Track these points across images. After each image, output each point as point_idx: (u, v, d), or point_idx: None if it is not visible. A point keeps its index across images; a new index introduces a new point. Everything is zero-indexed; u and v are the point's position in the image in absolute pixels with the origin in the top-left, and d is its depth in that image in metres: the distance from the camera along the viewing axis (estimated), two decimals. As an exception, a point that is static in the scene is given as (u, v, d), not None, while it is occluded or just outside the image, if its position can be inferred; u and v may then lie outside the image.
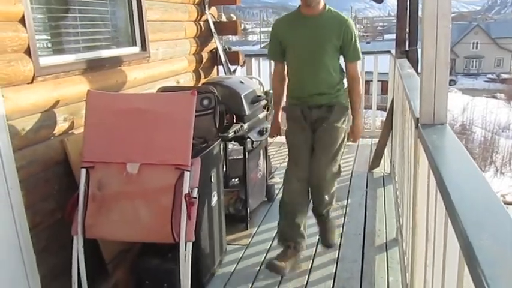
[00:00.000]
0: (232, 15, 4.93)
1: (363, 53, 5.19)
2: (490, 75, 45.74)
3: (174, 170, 2.08)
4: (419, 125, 1.46)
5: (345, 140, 2.73)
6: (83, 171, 2.14)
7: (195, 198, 2.12)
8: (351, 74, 2.65)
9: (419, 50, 3.47)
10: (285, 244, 2.70)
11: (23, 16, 2.11)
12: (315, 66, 2.55)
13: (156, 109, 2.18)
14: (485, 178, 0.94)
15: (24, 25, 2.12)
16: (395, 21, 4.06)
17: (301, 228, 2.72)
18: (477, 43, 49.14)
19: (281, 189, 3.84)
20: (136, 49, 3.19)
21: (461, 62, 49.32)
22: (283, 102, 2.81)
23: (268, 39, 2.82)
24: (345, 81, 2.70)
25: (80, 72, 2.54)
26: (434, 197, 1.13)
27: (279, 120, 2.87)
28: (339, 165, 2.76)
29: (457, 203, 0.85)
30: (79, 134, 2.49)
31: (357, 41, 2.59)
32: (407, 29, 3.84)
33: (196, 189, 2.13)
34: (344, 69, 2.69)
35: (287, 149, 2.79)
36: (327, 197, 2.76)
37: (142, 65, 3.23)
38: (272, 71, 2.83)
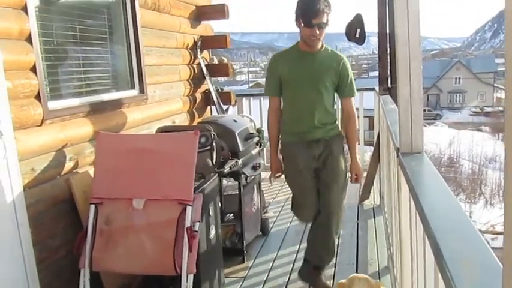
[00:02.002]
0: (223, 57, 5.18)
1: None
2: (474, 109, 46.90)
3: (177, 205, 2.22)
4: (399, 154, 1.63)
5: (347, 167, 2.77)
6: (92, 207, 2.27)
7: (197, 231, 2.24)
8: (347, 110, 2.74)
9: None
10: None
11: (34, 65, 2.29)
12: (313, 101, 2.63)
13: (161, 148, 2.35)
14: (454, 197, 1.09)
15: (35, 73, 2.30)
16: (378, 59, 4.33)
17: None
18: (459, 78, 50.66)
19: (275, 223, 4.01)
20: (135, 92, 3.38)
21: (445, 96, 50.65)
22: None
23: (266, 76, 2.84)
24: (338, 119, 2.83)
25: (83, 115, 2.71)
26: (415, 217, 1.28)
27: (278, 157, 2.86)
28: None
29: (430, 219, 1.01)
30: (83, 172, 2.63)
31: (353, 78, 2.72)
32: (389, 68, 4.10)
33: (198, 223, 2.26)
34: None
35: (290, 191, 2.87)
36: (335, 237, 2.79)
37: (140, 107, 3.41)
38: (268, 107, 2.81)
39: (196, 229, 2.25)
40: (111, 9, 3.25)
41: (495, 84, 50.26)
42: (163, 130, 2.90)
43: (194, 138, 2.31)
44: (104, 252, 2.21)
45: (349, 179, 2.85)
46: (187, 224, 2.21)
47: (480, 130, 33.62)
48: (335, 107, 2.80)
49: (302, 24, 2.50)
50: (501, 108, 42.12)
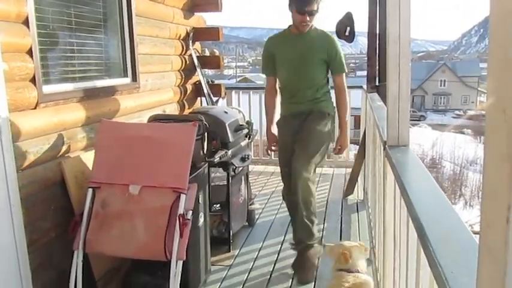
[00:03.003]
0: (215, 50, 5.22)
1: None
2: (457, 112, 47.66)
3: (172, 193, 2.28)
4: (386, 146, 1.72)
5: (326, 145, 2.89)
6: (90, 191, 2.33)
7: (189, 219, 2.31)
8: (337, 85, 2.91)
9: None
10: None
11: (31, 48, 2.31)
12: (304, 79, 2.82)
13: (160, 137, 2.41)
14: (437, 184, 1.18)
15: (31, 56, 2.32)
16: (366, 58, 4.42)
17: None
18: (444, 81, 51.43)
19: (261, 214, 4.08)
20: (127, 80, 3.41)
21: (430, 98, 51.36)
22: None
23: (261, 57, 3.07)
24: (332, 94, 2.94)
25: (77, 100, 2.74)
26: (399, 203, 1.36)
27: (272, 131, 3.06)
28: (315, 168, 2.86)
29: (414, 202, 1.08)
30: (75, 157, 2.66)
31: (342, 56, 2.87)
32: (377, 66, 4.19)
33: (190, 212, 2.32)
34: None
35: (276, 184, 3.06)
36: (302, 201, 2.80)
37: (132, 95, 3.44)
38: (265, 86, 3.10)
39: (189, 217, 2.31)
40: (106, -4, 3.27)
41: (479, 88, 51.15)
42: (155, 118, 2.94)
43: (192, 130, 2.38)
44: (98, 234, 2.26)
45: (333, 149, 3.06)
46: (180, 211, 2.27)
47: (463, 133, 34.18)
48: (327, 86, 2.93)
49: (295, 10, 2.67)
50: (484, 112, 42.83)
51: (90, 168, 2.60)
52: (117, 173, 2.39)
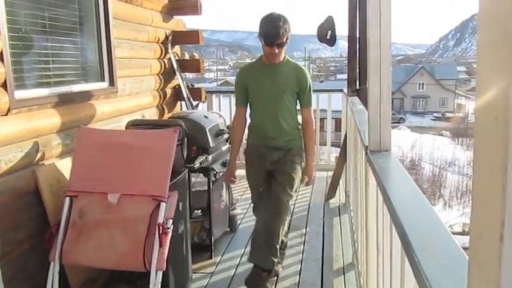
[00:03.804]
0: (194, 53, 5.17)
1: (318, 91, 5.57)
2: (436, 114, 48.52)
3: (152, 201, 2.22)
4: (368, 151, 1.69)
5: (301, 178, 2.92)
6: (67, 200, 2.26)
7: (169, 228, 2.25)
8: (305, 118, 2.91)
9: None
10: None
11: (1, 52, 2.22)
12: (276, 109, 2.80)
13: (141, 144, 2.36)
14: (419, 190, 1.16)
15: (2, 60, 2.23)
16: (346, 62, 4.43)
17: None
18: (423, 84, 52.32)
19: (243, 220, 4.04)
20: (104, 84, 3.33)
21: (409, 101, 52.17)
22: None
23: (234, 87, 2.98)
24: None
25: (51, 106, 2.65)
26: (382, 209, 1.34)
27: (235, 165, 3.02)
28: (290, 200, 2.88)
29: (397, 208, 1.06)
30: (50, 164, 2.57)
31: (311, 89, 2.89)
32: (358, 70, 4.20)
33: (170, 221, 2.27)
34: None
35: (249, 187, 3.03)
36: (280, 229, 2.82)
37: (110, 100, 3.36)
38: (234, 116, 3.02)
39: (169, 226, 2.25)
40: (82, -1, 3.19)
41: (456, 91, 52.19)
42: (134, 124, 2.87)
43: (173, 136, 2.33)
44: (75, 245, 2.18)
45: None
46: (160, 220, 2.21)
47: (441, 135, 34.80)
48: (298, 116, 2.93)
49: (263, 42, 2.69)
50: (461, 115, 43.77)
51: (66, 176, 2.52)
52: (96, 181, 2.32)
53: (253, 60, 3.07)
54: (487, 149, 0.43)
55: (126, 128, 2.86)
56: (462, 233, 12.93)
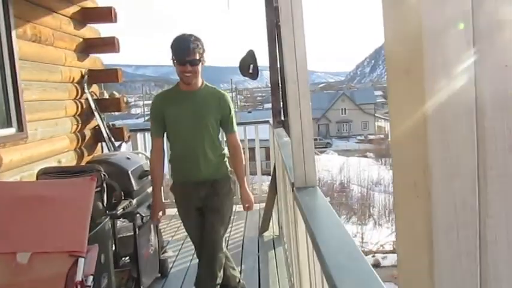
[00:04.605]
0: (115, 92, 4.97)
1: (245, 123, 5.57)
2: (359, 137, 51.04)
3: (68, 258, 2.01)
4: (294, 188, 1.65)
5: (233, 206, 2.83)
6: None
7: (89, 286, 2.04)
8: (233, 144, 2.79)
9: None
10: None
11: None
12: (198, 139, 2.65)
13: (54, 195, 2.17)
14: (344, 227, 1.13)
15: None
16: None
17: None
18: (345, 109, 55.18)
19: (175, 263, 3.84)
20: (12, 130, 3.06)
21: (333, 126, 54.65)
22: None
23: (149, 117, 2.85)
24: (226, 151, 2.85)
25: None
26: (313, 256, 1.29)
27: (161, 199, 2.89)
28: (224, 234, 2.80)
29: (324, 253, 1.01)
30: None
31: (234, 113, 2.78)
32: (281, 101, 4.25)
33: (91, 277, 2.06)
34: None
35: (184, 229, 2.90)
36: (218, 268, 2.72)
37: (19, 146, 3.08)
38: (151, 148, 2.82)
39: (89, 284, 2.04)
40: (-17, 39, 2.94)
41: (376, 114, 55.46)
42: (45, 172, 2.64)
43: (91, 184, 2.16)
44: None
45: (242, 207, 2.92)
46: (78, 278, 2.00)
47: (366, 156, 36.46)
48: (223, 144, 2.83)
49: (175, 62, 2.56)
50: (382, 136, 46.39)
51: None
52: (2, 240, 2.07)
53: (170, 86, 2.90)
54: (408, 220, 0.38)
55: (37, 177, 2.62)
56: (393, 252, 13.41)
